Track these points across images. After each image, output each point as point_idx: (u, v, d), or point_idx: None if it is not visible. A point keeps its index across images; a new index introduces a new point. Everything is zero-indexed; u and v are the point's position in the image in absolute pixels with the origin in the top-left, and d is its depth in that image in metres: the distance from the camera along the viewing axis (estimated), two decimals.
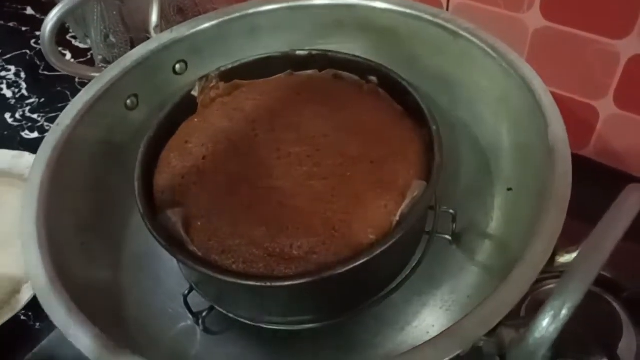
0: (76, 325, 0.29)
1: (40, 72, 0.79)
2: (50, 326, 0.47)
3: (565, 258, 0.29)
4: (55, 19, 0.44)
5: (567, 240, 0.29)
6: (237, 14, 0.48)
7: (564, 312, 0.22)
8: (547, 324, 0.22)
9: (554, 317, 0.22)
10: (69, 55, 0.81)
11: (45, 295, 0.31)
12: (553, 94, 0.37)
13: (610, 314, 0.43)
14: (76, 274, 0.35)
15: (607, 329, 0.42)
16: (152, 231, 0.33)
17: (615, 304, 0.43)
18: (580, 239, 0.27)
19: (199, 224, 0.34)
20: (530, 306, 0.41)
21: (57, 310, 0.30)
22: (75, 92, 0.73)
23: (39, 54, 0.81)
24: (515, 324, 0.27)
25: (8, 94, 0.76)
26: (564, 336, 0.27)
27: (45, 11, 0.90)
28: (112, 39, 0.66)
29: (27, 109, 0.73)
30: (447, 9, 0.57)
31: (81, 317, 0.30)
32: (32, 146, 0.66)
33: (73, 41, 0.83)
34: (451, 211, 0.41)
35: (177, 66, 0.48)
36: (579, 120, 0.56)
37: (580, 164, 0.33)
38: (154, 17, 0.49)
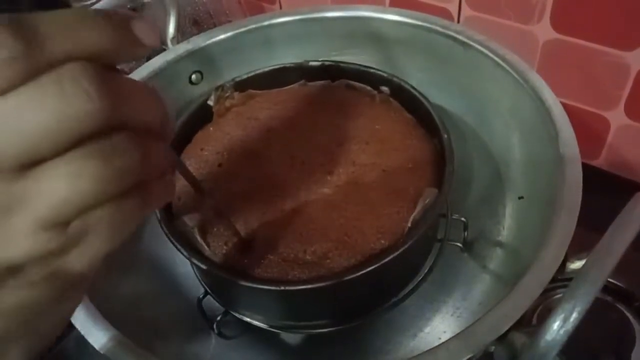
0: (96, 327, 0.30)
1: None
2: (64, 331, 0.48)
3: (576, 265, 0.30)
4: None
5: (579, 249, 0.30)
6: (252, 26, 0.49)
7: (575, 315, 0.22)
8: (557, 327, 0.22)
9: (565, 320, 0.22)
10: None
11: None
12: (564, 104, 0.37)
13: (622, 323, 0.43)
14: (96, 279, 0.36)
15: (620, 337, 0.42)
16: (169, 236, 0.34)
17: (627, 313, 0.43)
18: (591, 247, 0.28)
19: (215, 229, 0.35)
20: (542, 314, 0.41)
21: (77, 312, 0.31)
22: None
23: None
24: (527, 330, 0.27)
25: None
26: (576, 345, 0.27)
27: None
28: None
29: None
30: (458, 21, 0.58)
31: (100, 318, 0.30)
32: None
33: None
34: (463, 219, 0.41)
35: (193, 76, 0.49)
36: (590, 131, 0.56)
37: (592, 174, 0.33)
38: (171, 29, 0.50)
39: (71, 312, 0.20)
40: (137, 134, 0.18)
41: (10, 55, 0.15)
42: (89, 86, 0.16)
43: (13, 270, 0.17)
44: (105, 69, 0.17)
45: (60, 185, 0.16)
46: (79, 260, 0.18)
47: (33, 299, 0.18)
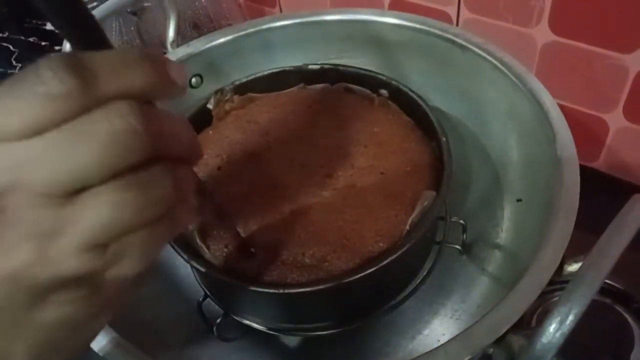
0: None
1: None
2: None
3: (574, 267, 0.30)
4: None
5: (578, 251, 0.30)
6: (252, 30, 0.50)
7: (571, 317, 0.22)
8: (554, 330, 0.22)
9: (561, 323, 0.22)
10: None
11: None
12: (562, 107, 0.37)
13: (621, 325, 0.43)
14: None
15: (618, 340, 0.43)
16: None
17: (626, 315, 0.43)
18: (590, 249, 0.28)
19: (215, 232, 0.35)
20: (541, 317, 0.41)
21: None
22: None
23: None
24: (525, 332, 0.27)
25: None
26: (575, 347, 0.27)
27: None
28: None
29: None
30: (457, 24, 0.58)
31: None
32: None
33: None
34: (461, 222, 0.41)
35: (193, 80, 0.49)
36: (589, 133, 0.57)
37: (591, 176, 0.34)
38: (171, 32, 0.50)
39: (100, 329, 0.21)
40: (170, 162, 0.19)
41: (67, 90, 0.16)
42: (136, 123, 0.17)
43: (56, 287, 0.18)
44: (148, 106, 0.18)
45: (103, 211, 0.18)
46: (114, 280, 0.19)
47: (70, 315, 0.19)
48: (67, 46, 0.46)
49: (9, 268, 0.17)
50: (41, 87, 0.16)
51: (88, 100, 0.17)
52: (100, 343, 0.29)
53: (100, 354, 0.29)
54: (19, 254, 0.17)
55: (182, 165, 0.20)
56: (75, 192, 0.17)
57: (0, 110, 0.16)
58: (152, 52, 0.19)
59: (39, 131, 0.17)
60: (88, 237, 0.18)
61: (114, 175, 0.17)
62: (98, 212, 0.17)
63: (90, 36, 0.20)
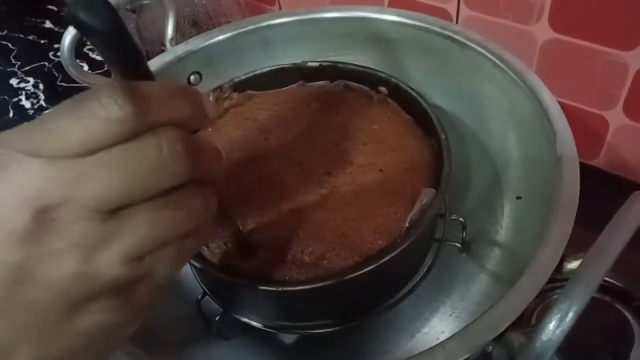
0: None
1: (58, 83, 0.81)
2: None
3: (574, 265, 0.30)
4: (74, 31, 0.45)
5: (578, 249, 0.30)
6: (251, 27, 0.50)
7: (571, 315, 0.22)
8: (554, 327, 0.22)
9: (561, 320, 0.22)
10: (86, 67, 0.83)
11: None
12: (563, 104, 0.37)
13: (621, 323, 0.43)
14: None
15: (619, 338, 0.42)
16: None
17: (626, 313, 0.43)
18: (590, 247, 0.28)
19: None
20: (541, 315, 0.41)
21: None
22: None
23: (57, 66, 0.83)
24: (524, 330, 0.27)
25: (27, 105, 0.78)
26: (575, 345, 0.27)
27: (64, 25, 0.93)
28: None
29: None
30: (457, 22, 0.58)
31: None
32: None
33: (90, 54, 0.85)
34: (461, 219, 0.41)
35: (192, 77, 0.49)
36: (589, 131, 0.57)
37: (591, 174, 0.34)
38: (170, 30, 0.50)
39: (127, 337, 0.22)
40: (202, 184, 0.22)
41: (124, 116, 0.18)
42: (182, 150, 0.20)
43: (96, 297, 0.19)
44: (190, 134, 0.21)
45: (143, 227, 0.19)
46: (146, 290, 0.21)
47: (106, 323, 0.20)
48: (67, 42, 0.46)
49: (55, 276, 0.18)
50: (102, 112, 0.18)
51: (141, 126, 0.19)
52: None
53: None
54: (66, 263, 0.18)
55: (209, 187, 0.22)
56: (119, 208, 0.19)
57: (61, 129, 0.18)
58: (187, 86, 0.21)
59: (94, 151, 0.18)
60: (128, 250, 0.19)
61: (155, 195, 0.20)
62: (139, 228, 0.19)
63: (140, 70, 0.22)
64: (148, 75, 0.22)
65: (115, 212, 0.19)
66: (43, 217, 0.18)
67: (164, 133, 0.19)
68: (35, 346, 0.19)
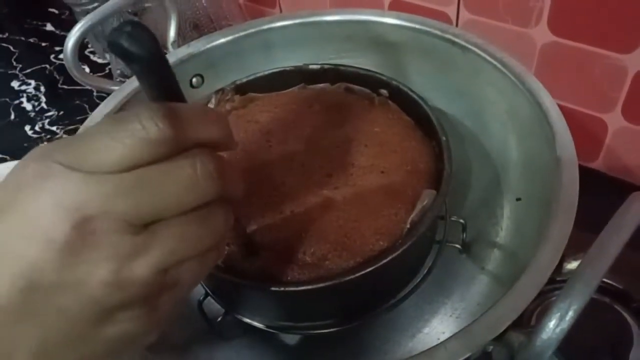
0: None
1: (59, 86, 0.81)
2: None
3: (573, 265, 0.30)
4: (77, 34, 0.45)
5: (577, 251, 0.30)
6: (252, 30, 0.50)
7: (570, 313, 0.22)
8: (553, 325, 0.22)
9: (560, 319, 0.22)
10: (87, 70, 0.83)
11: None
12: (562, 107, 0.38)
13: (620, 324, 0.43)
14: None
15: (618, 338, 0.43)
16: None
17: (625, 314, 0.43)
18: (589, 248, 0.28)
19: None
20: (541, 316, 0.41)
21: None
22: (92, 105, 0.76)
23: (58, 69, 0.84)
24: (525, 331, 0.27)
25: (28, 107, 0.78)
26: (574, 345, 0.27)
27: (65, 27, 0.93)
28: None
29: (47, 121, 0.76)
30: (457, 25, 0.59)
31: None
32: None
33: (91, 56, 0.85)
34: (461, 221, 0.41)
35: (194, 80, 0.49)
36: (588, 133, 0.57)
37: (590, 176, 0.34)
38: (172, 33, 0.50)
39: (148, 343, 0.23)
40: (225, 201, 0.22)
41: (163, 137, 0.19)
42: (214, 171, 0.21)
43: (124, 306, 0.20)
44: (219, 155, 0.22)
45: (172, 241, 0.20)
46: (169, 301, 0.22)
47: (129, 331, 0.21)
48: (69, 45, 0.46)
49: (89, 285, 0.19)
50: (143, 132, 0.19)
51: (177, 146, 0.20)
52: None
53: None
54: (100, 272, 0.19)
55: (230, 203, 0.23)
56: (152, 222, 0.20)
57: (101, 146, 0.19)
58: (217, 110, 0.22)
59: (132, 168, 0.19)
60: (158, 262, 0.20)
61: (185, 211, 0.21)
62: (168, 241, 0.20)
63: (174, 92, 0.22)
64: (181, 97, 0.22)
65: (147, 225, 0.20)
66: (82, 228, 0.19)
67: (198, 154, 0.20)
68: (59, 351, 0.20)
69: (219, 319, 0.38)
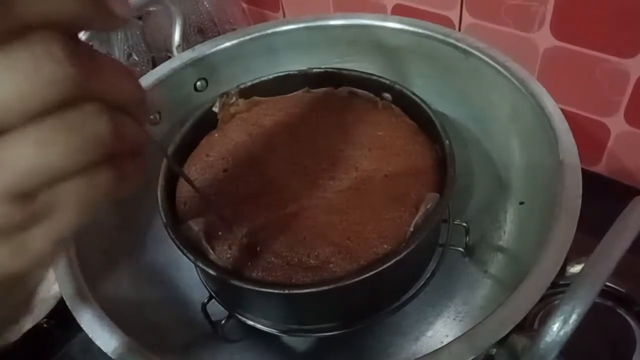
0: (103, 331, 0.30)
1: None
2: (69, 334, 0.49)
3: (576, 269, 0.30)
4: (83, 39, 0.46)
5: (580, 254, 0.30)
6: (256, 34, 0.50)
7: (574, 317, 0.22)
8: (557, 329, 0.23)
9: (564, 322, 0.22)
10: None
11: (75, 303, 0.32)
12: (564, 111, 0.38)
13: (623, 328, 0.43)
14: (102, 283, 0.36)
15: (620, 342, 0.43)
16: (175, 240, 0.34)
17: (628, 318, 0.43)
18: (592, 252, 0.28)
19: (220, 233, 0.35)
20: (544, 319, 0.41)
21: (85, 315, 0.31)
22: None
23: None
24: (528, 334, 0.27)
25: None
26: (577, 349, 0.27)
27: None
28: (134, 57, 0.69)
29: None
30: (459, 29, 0.59)
31: (108, 322, 0.31)
32: None
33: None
34: (464, 224, 0.41)
35: (198, 83, 0.49)
36: (590, 137, 0.57)
37: (592, 180, 0.34)
38: (177, 37, 0.51)
39: (33, 291, 0.20)
40: (107, 106, 0.17)
41: None
42: (59, 51, 0.15)
43: None
44: (77, 40, 0.16)
45: (28, 153, 0.15)
46: (44, 235, 0.17)
47: None
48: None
49: None
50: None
51: (6, 28, 0.15)
52: (112, 346, 0.30)
53: (113, 357, 0.29)
54: None
55: (123, 113, 0.18)
56: None
57: None
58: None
59: None
60: (10, 185, 0.16)
61: (40, 113, 0.15)
62: (21, 153, 0.15)
63: None
64: None
65: None
66: None
67: (38, 34, 0.15)
68: None
69: (223, 321, 0.38)
